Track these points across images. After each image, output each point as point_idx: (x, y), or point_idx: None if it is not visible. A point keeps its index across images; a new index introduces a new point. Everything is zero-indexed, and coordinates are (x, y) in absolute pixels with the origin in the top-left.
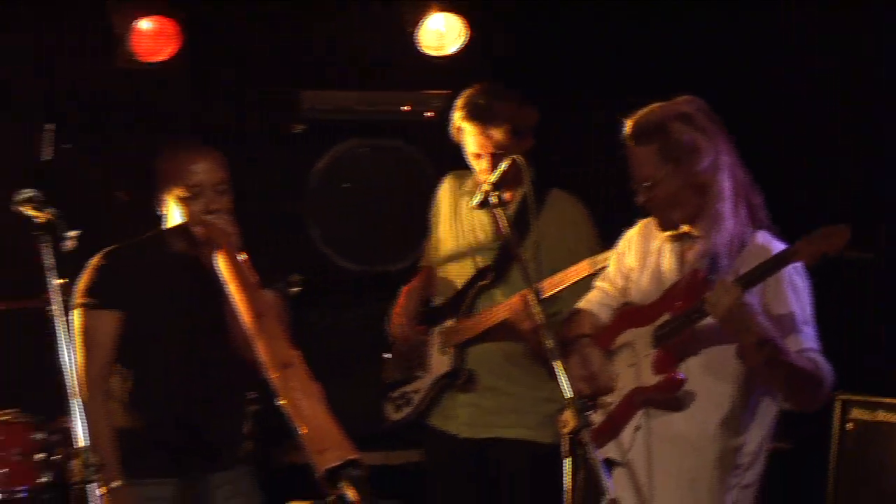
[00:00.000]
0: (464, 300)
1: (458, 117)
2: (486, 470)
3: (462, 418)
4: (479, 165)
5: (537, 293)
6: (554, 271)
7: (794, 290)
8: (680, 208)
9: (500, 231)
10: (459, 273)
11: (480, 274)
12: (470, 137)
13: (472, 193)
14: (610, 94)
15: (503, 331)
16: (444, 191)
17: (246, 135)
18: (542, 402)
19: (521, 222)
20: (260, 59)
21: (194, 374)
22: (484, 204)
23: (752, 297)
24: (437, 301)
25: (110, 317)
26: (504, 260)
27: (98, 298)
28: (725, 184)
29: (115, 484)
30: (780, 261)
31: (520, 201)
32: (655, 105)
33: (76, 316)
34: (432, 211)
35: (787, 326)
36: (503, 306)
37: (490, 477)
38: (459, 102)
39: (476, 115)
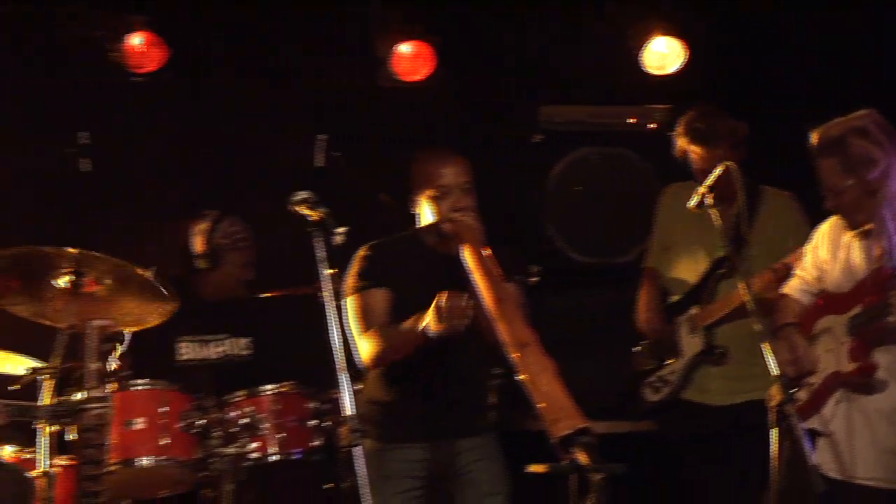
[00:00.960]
0: (705, 289)
1: (682, 141)
2: (739, 432)
3: (716, 389)
4: (706, 178)
5: (787, 269)
6: (776, 260)
7: None
8: (862, 212)
9: (729, 227)
10: (693, 270)
11: (718, 265)
12: (695, 156)
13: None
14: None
15: (745, 310)
16: (668, 201)
17: (492, 143)
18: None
19: (742, 220)
20: (504, 77)
21: (445, 353)
22: (700, 205)
23: None
24: (673, 297)
25: (381, 294)
26: (737, 250)
27: (369, 280)
28: (892, 188)
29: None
30: None
31: (740, 202)
32: (836, 120)
33: (351, 301)
34: (656, 219)
35: None
36: (736, 294)
37: (742, 438)
38: (681, 128)
39: (698, 137)
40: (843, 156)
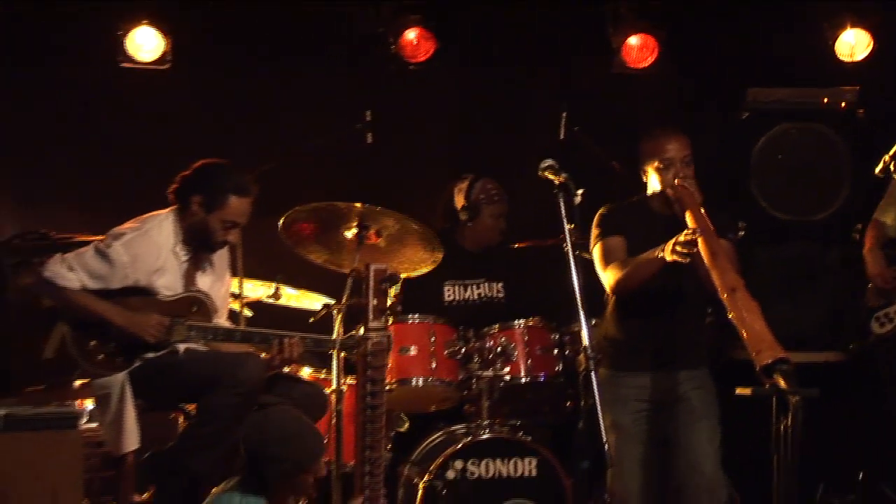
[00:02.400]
0: None
1: None
2: None
3: None
4: None
5: None
6: None
7: None
8: None
9: None
10: None
11: None
12: None
13: None
14: None
15: None
16: None
17: (706, 119)
18: None
19: None
20: (719, 65)
21: (668, 296)
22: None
23: None
24: None
25: (618, 239)
26: None
27: (609, 229)
28: None
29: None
30: None
31: None
32: None
33: (596, 249)
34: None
35: None
36: None
37: None
38: None
39: None
40: None
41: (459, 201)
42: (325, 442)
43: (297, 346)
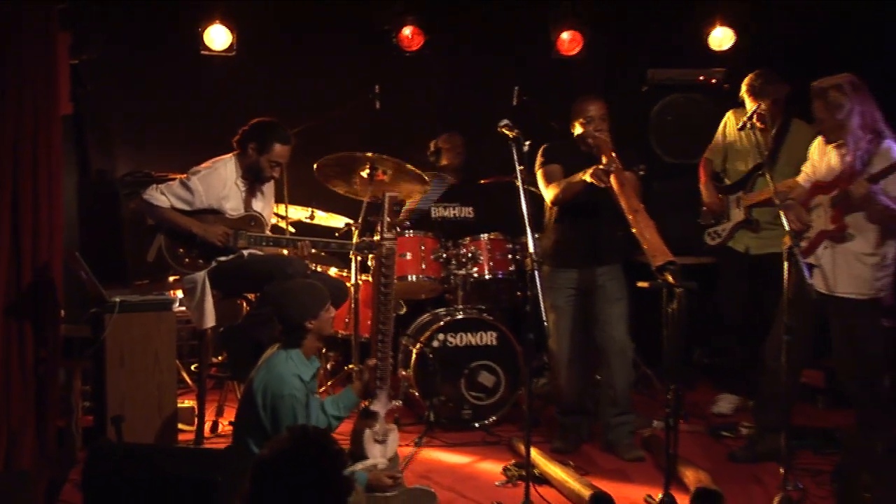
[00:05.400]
0: (748, 181)
1: (742, 90)
2: (758, 272)
3: (747, 242)
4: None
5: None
6: (799, 169)
7: None
8: (835, 134)
9: (767, 144)
10: (744, 166)
11: (758, 167)
12: (748, 103)
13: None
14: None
15: (771, 200)
16: (728, 120)
17: (617, 91)
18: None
19: (777, 138)
20: (627, 52)
21: (591, 212)
22: (743, 128)
23: (877, 186)
24: (727, 181)
25: (556, 167)
26: (771, 159)
27: (549, 159)
28: (855, 122)
29: None
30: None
31: (774, 130)
32: (824, 78)
33: (539, 173)
34: (720, 129)
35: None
36: (769, 189)
37: (759, 277)
38: (744, 81)
39: (749, 91)
40: (824, 101)
41: (431, 147)
42: (325, 296)
43: (308, 246)
